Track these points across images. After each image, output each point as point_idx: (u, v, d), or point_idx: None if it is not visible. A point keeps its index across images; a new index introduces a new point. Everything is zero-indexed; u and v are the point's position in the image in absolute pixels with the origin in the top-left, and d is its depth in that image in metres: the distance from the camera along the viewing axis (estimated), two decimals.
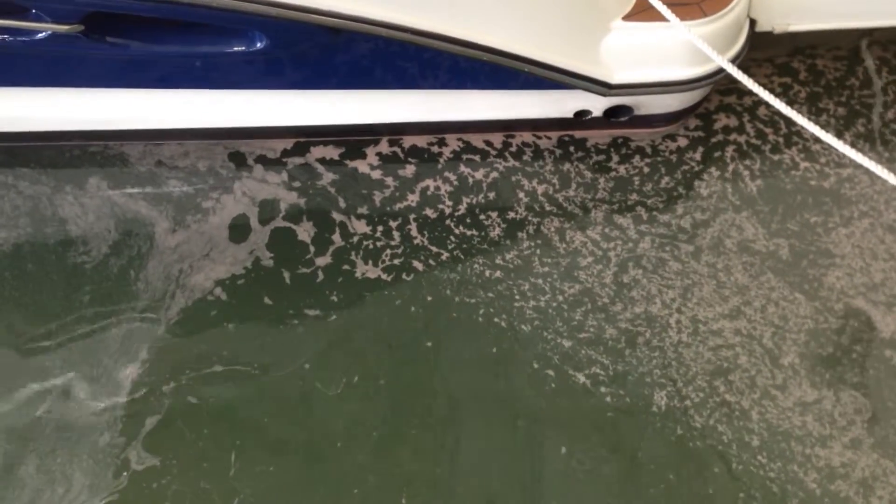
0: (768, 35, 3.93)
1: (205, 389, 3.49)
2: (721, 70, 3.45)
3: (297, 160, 4.10)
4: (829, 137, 2.97)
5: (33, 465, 3.34)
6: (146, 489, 3.31)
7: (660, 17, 3.22)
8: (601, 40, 3.53)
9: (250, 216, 3.93)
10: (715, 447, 3.43)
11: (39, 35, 3.08)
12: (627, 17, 3.51)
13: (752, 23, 3.79)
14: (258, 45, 3.25)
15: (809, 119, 4.21)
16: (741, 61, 3.67)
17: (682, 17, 3.27)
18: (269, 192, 4.00)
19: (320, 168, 4.09)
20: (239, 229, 3.88)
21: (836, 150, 4.13)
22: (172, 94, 3.64)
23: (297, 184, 4.03)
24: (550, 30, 3.43)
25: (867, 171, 4.05)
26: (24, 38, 3.11)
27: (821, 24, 3.94)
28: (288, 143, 4.14)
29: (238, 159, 4.09)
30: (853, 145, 4.13)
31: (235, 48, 3.27)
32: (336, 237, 3.89)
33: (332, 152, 4.13)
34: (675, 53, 3.56)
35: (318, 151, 4.13)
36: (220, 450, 3.39)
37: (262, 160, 4.09)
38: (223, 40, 3.26)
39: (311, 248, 3.87)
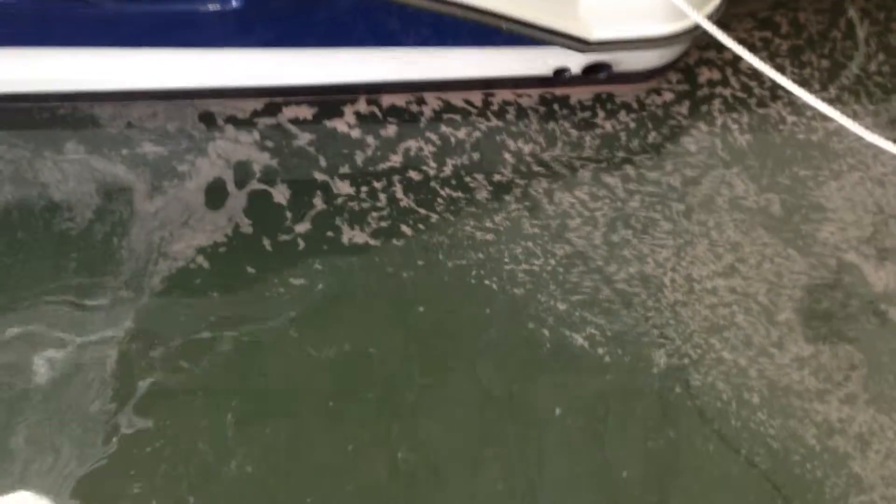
0: None
1: (195, 354, 3.44)
2: (699, 26, 3.39)
3: (269, 120, 3.99)
4: (798, 90, 2.95)
5: (22, 435, 3.29)
6: (140, 453, 3.27)
7: None
8: None
9: (226, 179, 3.82)
10: (714, 404, 3.40)
11: None
12: None
13: None
14: (233, 2, 3.18)
15: (793, 72, 4.23)
16: (720, 16, 3.60)
17: None
18: (244, 153, 3.90)
19: (294, 129, 3.98)
20: (216, 194, 3.78)
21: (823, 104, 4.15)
22: (144, 54, 3.53)
23: (270, 144, 3.92)
24: None
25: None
26: None
27: None
28: (258, 104, 4.03)
29: (208, 120, 3.97)
30: (838, 98, 4.15)
31: (210, 6, 3.20)
32: (318, 200, 3.79)
33: (305, 112, 4.02)
34: (652, 9, 3.51)
35: (290, 112, 4.02)
36: (215, 412, 3.35)
37: (233, 120, 3.98)
38: None
39: (290, 214, 3.77)
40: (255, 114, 4.00)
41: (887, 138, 3.94)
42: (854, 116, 4.07)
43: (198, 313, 3.52)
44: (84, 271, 3.58)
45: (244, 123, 3.98)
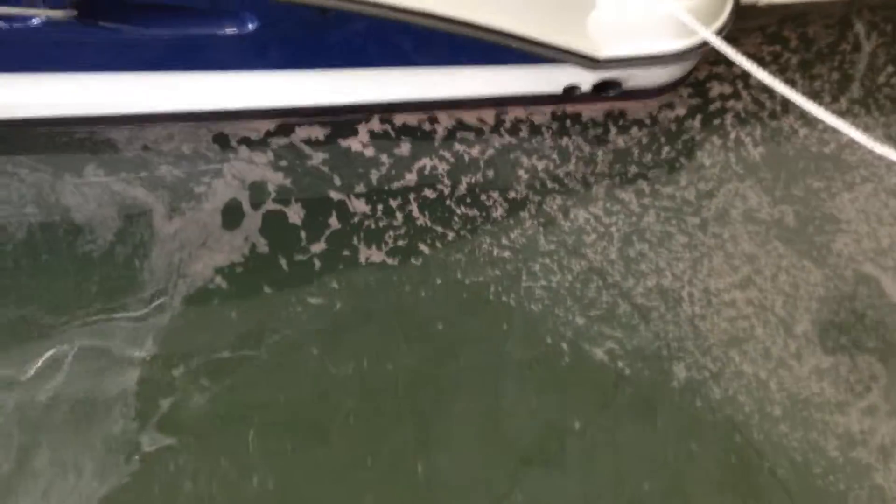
0: (755, 6, 3.87)
1: (216, 373, 3.47)
2: (707, 42, 3.41)
3: (282, 141, 4.02)
4: (807, 103, 3.00)
5: (45, 456, 3.31)
6: (163, 471, 3.29)
7: None
8: (588, 15, 3.49)
9: (242, 200, 3.85)
10: (736, 417, 3.40)
11: (33, 21, 3.04)
12: None
13: None
14: (249, 26, 3.21)
15: (803, 85, 4.25)
16: (727, 32, 3.63)
17: None
18: (259, 173, 3.93)
19: (307, 149, 4.00)
20: (232, 214, 3.81)
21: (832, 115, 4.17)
22: (161, 77, 3.56)
23: (284, 164, 3.95)
24: (538, 5, 3.40)
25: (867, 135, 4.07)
26: (18, 25, 3.06)
27: None
28: (272, 125, 4.05)
29: (222, 141, 4.00)
30: (849, 110, 4.16)
31: (226, 30, 3.24)
32: (333, 219, 3.81)
33: (318, 132, 4.04)
34: (661, 27, 3.53)
35: (303, 132, 4.05)
36: (236, 429, 3.38)
37: (247, 141, 4.01)
38: (214, 22, 3.22)
39: (305, 234, 3.79)
40: (269, 134, 4.03)
41: (894, 148, 4.01)
42: (865, 128, 4.06)
43: (218, 333, 3.54)
44: (106, 293, 3.61)
45: (258, 144, 4.00)
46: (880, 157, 3.94)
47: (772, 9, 3.92)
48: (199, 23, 3.21)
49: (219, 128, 4.04)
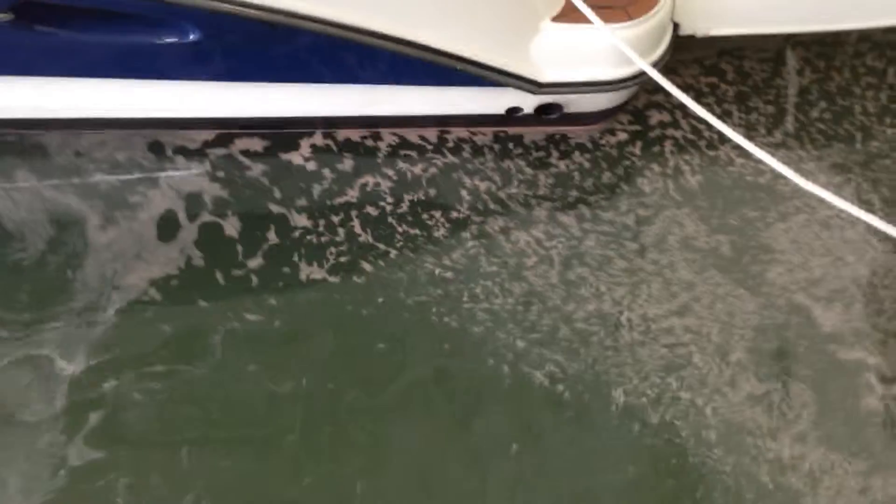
0: (693, 38, 3.97)
1: (149, 387, 3.36)
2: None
3: (220, 151, 3.95)
4: (736, 136, 3.10)
5: None
6: (90, 487, 3.16)
7: (587, 19, 3.25)
8: (531, 40, 3.56)
9: (177, 210, 3.76)
10: (673, 441, 3.43)
11: None
12: (556, 19, 3.55)
13: (676, 26, 3.85)
14: (191, 36, 3.16)
15: (740, 117, 4.34)
16: (666, 63, 3.76)
17: (608, 20, 3.33)
18: (196, 184, 3.85)
19: (246, 160, 3.94)
20: (168, 226, 3.72)
21: (768, 149, 4.26)
22: (98, 83, 3.48)
23: (221, 174, 3.88)
24: (482, 28, 3.45)
25: (800, 169, 4.16)
26: None
27: (740, 29, 4.02)
28: (210, 135, 3.99)
29: (158, 149, 3.92)
30: (783, 143, 4.28)
31: (167, 39, 3.18)
32: (273, 233, 3.75)
33: (257, 144, 3.99)
34: (601, 55, 3.60)
35: (242, 143, 3.99)
36: (170, 444, 3.27)
37: (184, 151, 3.93)
38: (155, 30, 3.16)
39: (242, 248, 3.71)
40: (207, 144, 3.96)
41: (830, 181, 4.13)
42: (799, 160, 4.20)
43: (151, 346, 3.43)
44: (36, 303, 3.48)
45: (195, 154, 3.93)
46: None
47: (709, 41, 4.01)
48: (139, 31, 3.15)
49: (154, 136, 3.95)
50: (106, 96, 3.60)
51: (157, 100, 3.67)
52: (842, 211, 2.85)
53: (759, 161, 4.08)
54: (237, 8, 2.90)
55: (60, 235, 3.63)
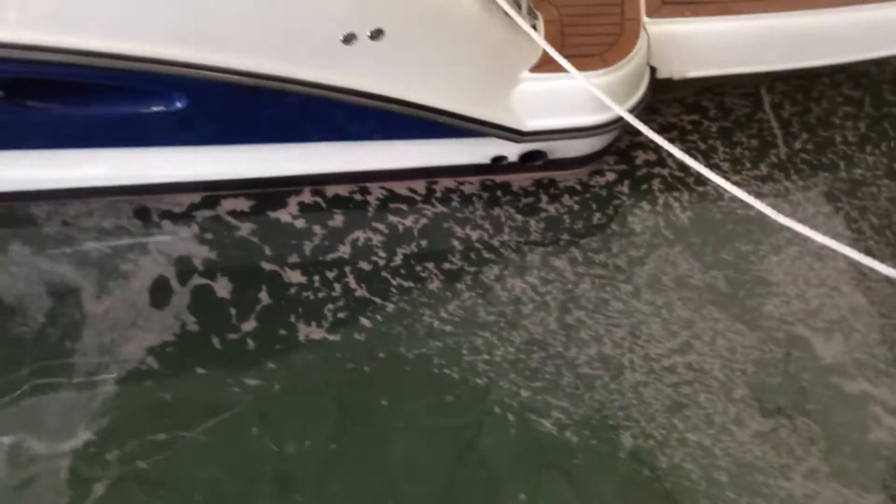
0: (671, 80, 4.01)
1: (153, 455, 3.34)
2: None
3: (207, 213, 3.97)
4: (708, 172, 3.10)
5: None
6: None
7: (564, 68, 3.25)
8: (511, 91, 3.61)
9: (168, 276, 3.77)
10: (683, 484, 3.39)
11: None
12: (535, 69, 3.59)
13: (653, 70, 3.90)
14: (177, 104, 3.21)
15: (724, 152, 4.37)
16: (646, 105, 3.82)
17: (584, 68, 3.36)
18: (185, 247, 3.86)
19: (234, 220, 3.95)
20: (160, 291, 3.72)
21: (755, 182, 4.29)
22: (86, 154, 3.54)
23: (209, 236, 3.90)
24: (463, 82, 3.51)
25: (787, 199, 4.20)
26: None
27: (714, 70, 4.06)
28: (196, 198, 4.00)
29: (144, 215, 3.94)
30: (769, 175, 4.30)
31: (154, 108, 3.24)
32: (266, 293, 3.75)
33: (244, 204, 4.00)
34: (580, 102, 3.64)
35: (228, 204, 4.00)
36: None
37: (170, 215, 3.95)
38: (143, 101, 3.22)
39: (235, 311, 3.71)
40: (193, 207, 3.96)
41: (819, 211, 4.15)
42: (786, 192, 4.22)
43: (152, 415, 3.41)
44: (38, 376, 3.47)
45: (181, 217, 3.94)
46: (802, 220, 4.05)
47: (686, 82, 4.04)
48: (127, 102, 3.19)
49: (140, 201, 3.96)
50: (94, 165, 3.64)
51: (145, 166, 3.69)
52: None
53: (749, 194, 4.15)
54: (220, 75, 2.97)
55: (58, 307, 3.63)
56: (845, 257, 3.90)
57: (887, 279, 3.89)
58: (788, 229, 3.95)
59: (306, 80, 3.12)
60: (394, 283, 3.80)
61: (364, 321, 3.69)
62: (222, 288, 3.74)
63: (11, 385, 3.45)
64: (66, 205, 3.90)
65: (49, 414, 3.39)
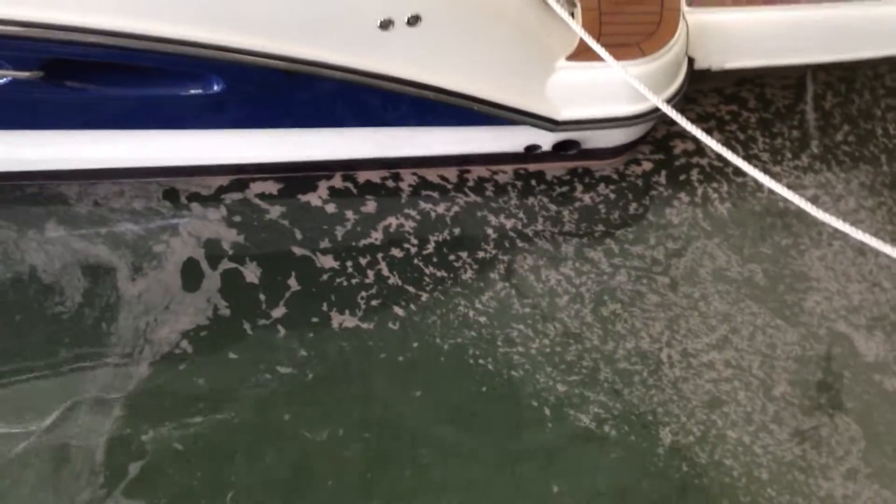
0: (709, 71, 3.92)
1: (188, 437, 3.35)
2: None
3: (236, 196, 3.93)
4: (742, 163, 3.08)
5: None
6: None
7: (601, 57, 3.20)
8: (547, 79, 3.54)
9: (199, 259, 3.74)
10: (722, 480, 3.33)
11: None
12: (571, 57, 3.52)
13: (691, 61, 3.81)
14: (214, 87, 3.18)
15: (765, 142, 4.28)
16: (685, 94, 3.73)
17: (621, 58, 3.30)
18: (213, 230, 3.83)
19: (263, 203, 3.91)
20: (192, 274, 3.69)
21: (795, 173, 4.20)
22: (122, 135, 3.50)
23: (238, 218, 3.86)
24: (499, 70, 3.44)
25: (829, 192, 4.10)
26: None
27: (754, 62, 3.97)
28: (224, 180, 3.96)
29: (173, 197, 3.91)
30: (810, 166, 4.20)
31: (192, 91, 3.21)
32: (297, 278, 3.72)
33: (272, 188, 3.96)
34: (616, 91, 3.57)
35: (256, 187, 3.95)
36: (214, 490, 3.26)
37: (198, 197, 3.92)
38: (180, 83, 3.18)
39: (265, 296, 3.67)
40: (221, 190, 3.92)
41: (861, 205, 4.05)
42: (827, 183, 4.13)
43: (186, 398, 3.41)
44: (75, 358, 3.47)
45: (210, 199, 3.90)
46: (845, 214, 4.00)
47: (726, 73, 3.95)
48: (165, 84, 3.16)
49: (169, 183, 3.92)
50: (127, 147, 3.61)
51: (179, 148, 3.66)
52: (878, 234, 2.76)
53: (788, 186, 4.04)
54: (259, 59, 2.94)
55: (94, 287, 3.63)
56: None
57: None
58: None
59: (343, 66, 3.08)
60: (426, 271, 3.74)
61: (398, 310, 3.64)
62: (251, 273, 3.71)
63: (49, 364, 3.46)
64: (96, 185, 3.86)
65: (85, 393, 3.39)
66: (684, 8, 3.67)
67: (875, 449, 3.44)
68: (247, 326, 3.58)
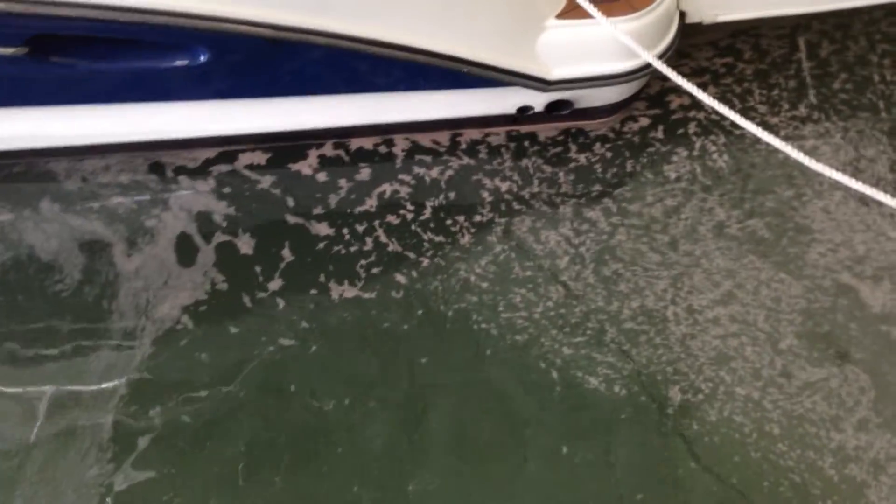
0: (701, 24, 3.86)
1: (196, 410, 3.32)
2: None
3: (225, 168, 3.87)
4: (737, 116, 3.09)
5: None
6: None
7: (590, 14, 3.15)
8: (537, 38, 3.47)
9: (191, 233, 3.69)
10: (733, 436, 3.30)
11: None
12: (560, 15, 3.46)
13: (683, 15, 3.75)
14: (200, 58, 3.12)
15: (761, 94, 4.21)
16: (675, 50, 3.67)
17: (611, 14, 3.26)
18: (203, 203, 3.77)
19: (253, 174, 3.84)
20: (186, 249, 3.64)
21: (794, 123, 4.13)
22: (107, 109, 3.44)
23: (227, 190, 3.80)
24: (487, 30, 3.37)
25: (828, 143, 4.04)
26: None
27: (746, 13, 3.91)
28: (211, 153, 3.89)
29: (159, 171, 3.85)
30: (808, 116, 4.13)
31: (177, 62, 3.15)
32: (293, 247, 3.66)
33: (261, 158, 3.89)
34: (607, 49, 3.51)
35: (245, 158, 3.89)
36: (224, 463, 3.23)
37: (185, 170, 3.86)
38: (166, 55, 3.12)
39: (260, 269, 3.62)
40: (209, 162, 3.86)
41: (861, 155, 4.00)
42: (826, 133, 4.07)
43: (191, 373, 3.38)
44: (77, 335, 3.44)
45: (198, 172, 3.84)
46: (845, 164, 3.94)
47: (719, 25, 3.88)
48: (151, 57, 3.10)
49: (155, 156, 3.85)
50: (114, 121, 3.54)
51: (166, 121, 3.59)
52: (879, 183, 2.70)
53: (787, 137, 3.99)
54: (241, 27, 2.86)
55: (92, 264, 3.59)
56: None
57: None
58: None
59: (328, 31, 3.00)
60: (425, 237, 3.68)
61: (399, 277, 3.58)
62: (245, 245, 3.65)
63: (52, 343, 3.42)
64: (83, 161, 3.80)
65: (89, 371, 3.37)
66: None
67: (885, 398, 3.41)
68: (246, 300, 3.52)
